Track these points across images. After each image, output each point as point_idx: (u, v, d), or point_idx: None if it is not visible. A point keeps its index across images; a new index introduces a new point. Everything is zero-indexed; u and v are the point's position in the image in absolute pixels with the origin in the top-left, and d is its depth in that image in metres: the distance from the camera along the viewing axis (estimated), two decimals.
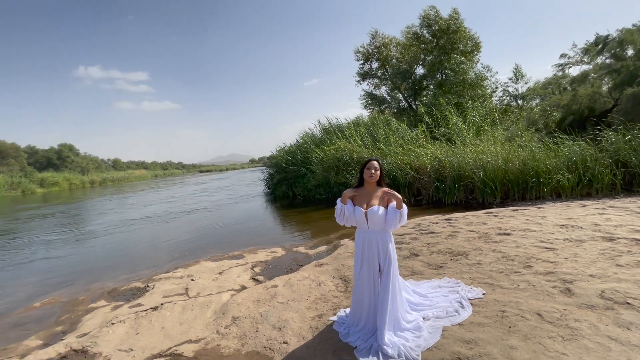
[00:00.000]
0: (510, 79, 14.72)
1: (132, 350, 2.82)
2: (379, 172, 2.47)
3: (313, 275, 3.92)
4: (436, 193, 8.90)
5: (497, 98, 15.04)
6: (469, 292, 2.84)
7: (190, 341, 2.86)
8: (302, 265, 4.61)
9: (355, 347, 2.33)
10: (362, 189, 2.53)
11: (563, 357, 1.93)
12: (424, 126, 11.36)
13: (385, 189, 2.52)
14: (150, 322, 3.26)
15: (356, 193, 2.51)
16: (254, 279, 4.32)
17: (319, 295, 3.39)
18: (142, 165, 73.56)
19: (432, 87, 16.41)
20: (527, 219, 4.99)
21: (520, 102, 14.68)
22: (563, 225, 4.38)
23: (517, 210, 5.88)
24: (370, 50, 17.73)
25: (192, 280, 4.38)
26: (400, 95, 18.42)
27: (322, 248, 5.51)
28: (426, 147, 10.11)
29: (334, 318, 2.79)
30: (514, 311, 2.46)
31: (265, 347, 2.59)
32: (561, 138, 8.38)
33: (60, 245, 7.69)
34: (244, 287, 4.01)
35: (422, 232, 5.04)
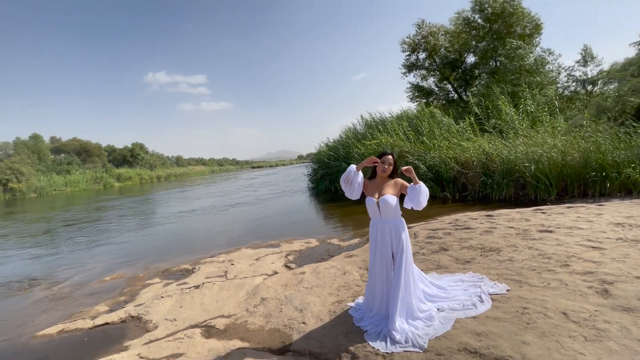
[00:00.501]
0: (578, 62, 13.11)
1: (175, 320, 3.24)
2: (392, 167, 2.52)
3: (340, 265, 4.06)
4: (483, 188, 8.41)
5: (560, 84, 13.51)
6: (492, 287, 2.75)
7: (222, 316, 3.20)
8: (332, 256, 4.77)
9: (366, 331, 2.43)
10: (374, 180, 2.60)
11: (580, 356, 1.83)
12: (472, 118, 10.71)
13: (397, 179, 2.57)
14: (192, 298, 3.70)
15: (368, 182, 2.60)
16: (286, 266, 4.59)
17: (342, 283, 3.52)
18: (200, 161, 79.68)
19: (484, 75, 15.30)
20: (579, 217, 4.54)
21: (589, 87, 13.01)
22: (619, 224, 3.92)
23: (571, 207, 5.35)
24: (416, 41, 17.06)
25: (232, 264, 4.80)
26: (449, 86, 17.48)
27: (355, 240, 5.61)
28: (473, 140, 9.55)
29: (351, 304, 2.91)
30: (537, 309, 2.35)
31: (285, 325, 2.82)
32: (634, 126, 7.33)
33: (130, 231, 8.83)
34: (275, 273, 4.30)
35: (458, 227, 4.87)
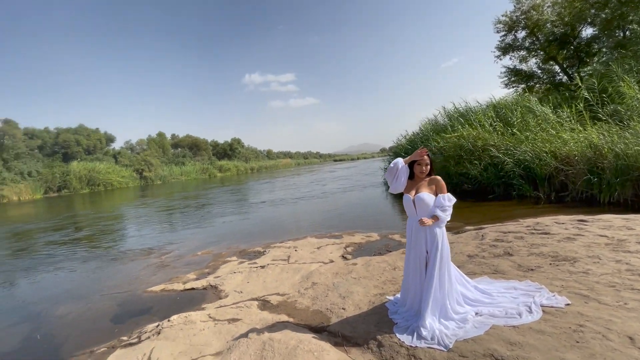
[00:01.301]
0: None
1: (241, 292, 3.82)
2: (429, 167, 2.51)
3: (392, 260, 4.11)
4: (588, 189, 7.12)
5: None
6: (547, 299, 2.48)
7: (278, 294, 3.64)
8: (390, 251, 4.81)
9: (396, 323, 2.51)
10: (412, 181, 2.61)
11: None
12: (581, 104, 8.99)
13: (436, 177, 2.54)
14: (257, 276, 4.27)
15: (408, 181, 2.63)
16: (343, 256, 4.84)
17: (389, 278, 3.59)
18: (288, 154, 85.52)
19: (605, 50, 12.55)
20: None
21: None
22: None
23: None
24: (514, 18, 14.95)
25: (295, 250, 5.27)
26: (557, 67, 14.87)
27: None
28: (578, 131, 8.07)
29: (390, 297, 2.99)
30: (596, 328, 2.07)
31: (327, 308, 3.08)
32: None
33: (224, 216, 10.31)
34: (331, 261, 4.59)
35: (534, 232, 4.33)
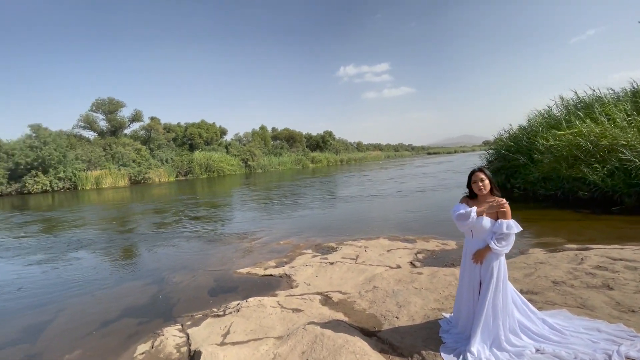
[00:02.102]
0: None
1: (309, 285, 4.24)
2: (487, 181, 2.36)
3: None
4: None
5: None
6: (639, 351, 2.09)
7: (340, 292, 3.92)
8: None
9: (444, 343, 2.49)
10: (476, 200, 2.49)
11: None
12: None
13: (498, 198, 2.38)
14: (325, 272, 4.62)
15: (469, 201, 2.53)
16: (411, 263, 4.80)
17: (453, 293, 3.46)
18: (378, 147, 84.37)
19: None
20: None
21: None
22: None
23: None
24: None
25: (365, 250, 5.45)
26: None
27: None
28: None
29: (447, 315, 2.93)
30: None
31: (382, 314, 3.20)
32: None
33: (310, 208, 11.13)
34: (398, 267, 4.62)
35: None
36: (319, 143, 59.61)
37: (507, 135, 13.68)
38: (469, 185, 2.48)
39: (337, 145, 62.89)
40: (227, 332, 3.08)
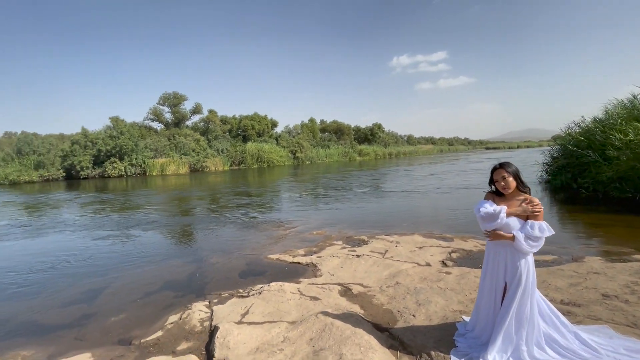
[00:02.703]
0: None
1: (332, 275, 4.27)
2: (510, 178, 2.14)
3: None
4: None
5: None
6: None
7: (361, 285, 3.88)
8: None
9: (457, 346, 2.35)
10: (503, 197, 2.27)
11: None
12: None
13: (530, 197, 2.14)
14: (350, 264, 4.61)
15: (497, 198, 2.32)
16: (442, 261, 4.56)
17: None
18: (430, 140, 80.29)
19: None
20: None
21: None
22: None
23: None
24: None
25: (396, 246, 5.30)
26: None
27: (553, 257, 4.51)
28: None
29: (466, 318, 2.75)
30: None
31: (398, 311, 3.12)
32: None
33: (348, 202, 11.11)
34: (427, 264, 4.42)
35: None
36: (367, 136, 58.63)
37: (577, 129, 12.11)
38: (491, 182, 2.28)
39: (386, 138, 61.27)
40: (247, 312, 3.25)
